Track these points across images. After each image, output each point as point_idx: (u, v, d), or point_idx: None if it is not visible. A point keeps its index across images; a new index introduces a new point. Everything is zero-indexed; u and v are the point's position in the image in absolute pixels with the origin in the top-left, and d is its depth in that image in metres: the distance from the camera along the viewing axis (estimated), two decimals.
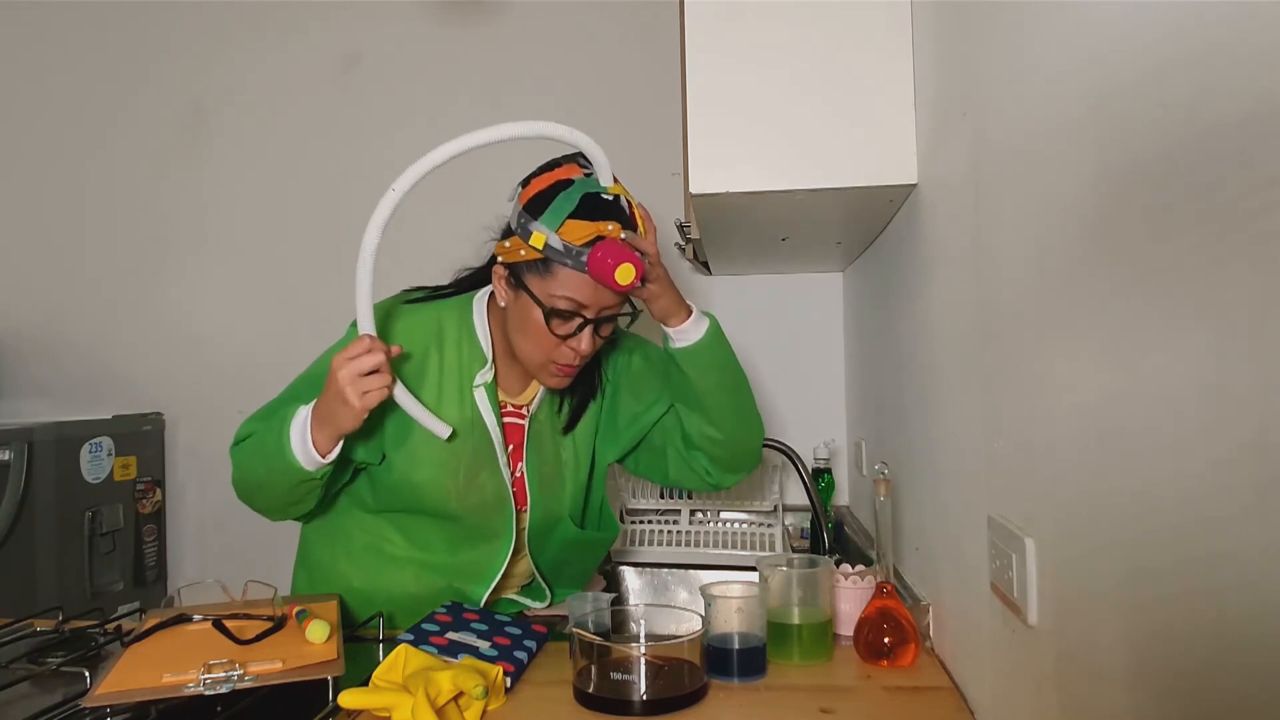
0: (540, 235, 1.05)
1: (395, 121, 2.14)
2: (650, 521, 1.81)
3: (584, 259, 1.04)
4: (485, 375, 1.17)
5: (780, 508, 1.81)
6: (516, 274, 1.10)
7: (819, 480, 1.78)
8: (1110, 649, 0.59)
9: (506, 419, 1.21)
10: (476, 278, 1.24)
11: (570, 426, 1.25)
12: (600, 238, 1.04)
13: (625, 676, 0.95)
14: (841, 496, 1.98)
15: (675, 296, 1.14)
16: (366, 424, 1.03)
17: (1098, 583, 0.60)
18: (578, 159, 1.11)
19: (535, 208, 1.06)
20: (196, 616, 1.05)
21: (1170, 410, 0.50)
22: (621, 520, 1.81)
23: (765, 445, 1.61)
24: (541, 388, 1.23)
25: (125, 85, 2.29)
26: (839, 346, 2.03)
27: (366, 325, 1.05)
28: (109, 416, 2.12)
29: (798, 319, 2.05)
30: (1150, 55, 0.51)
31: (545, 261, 1.07)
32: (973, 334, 0.90)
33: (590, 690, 0.96)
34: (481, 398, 1.17)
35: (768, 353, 2.06)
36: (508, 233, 1.11)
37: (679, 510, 1.85)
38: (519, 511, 1.23)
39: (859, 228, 1.42)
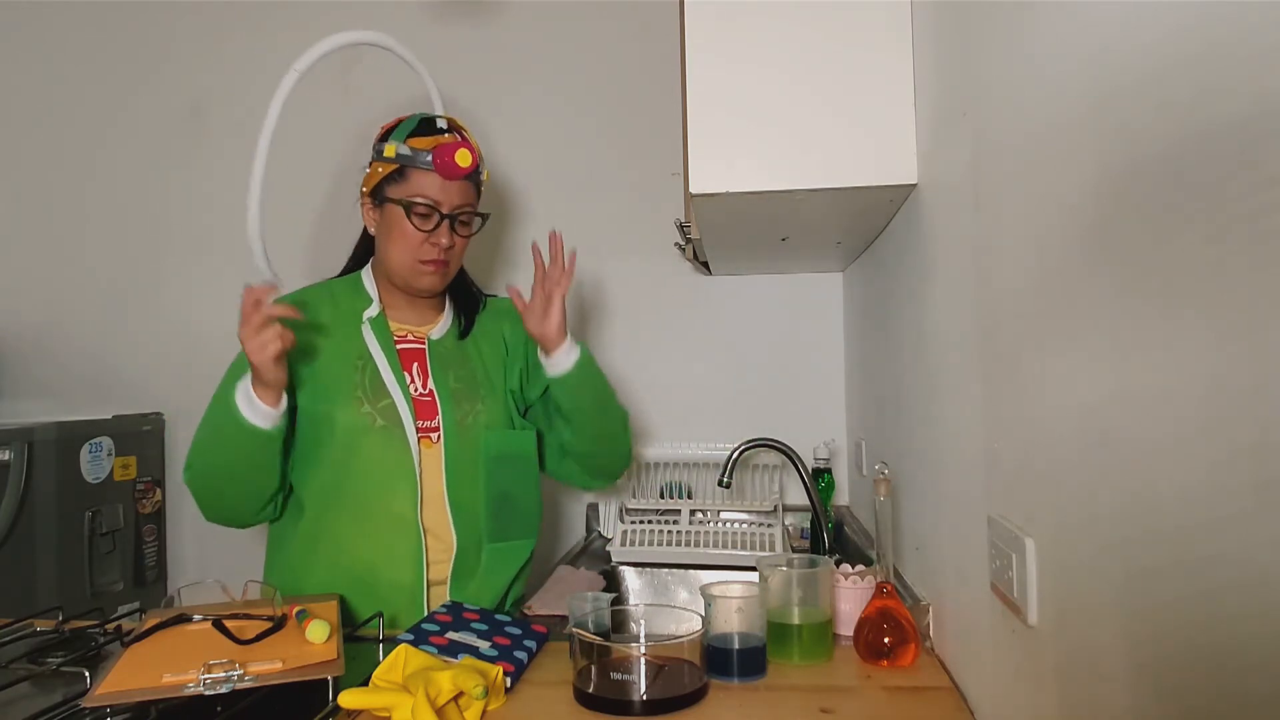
0: (391, 147, 1.29)
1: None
2: (650, 521, 1.81)
3: (429, 159, 1.26)
4: (371, 311, 1.34)
5: (780, 508, 1.81)
6: (379, 194, 1.31)
7: (819, 480, 1.78)
8: (1110, 649, 0.59)
9: (405, 345, 1.35)
10: (361, 246, 1.43)
11: (465, 332, 1.41)
12: (437, 146, 1.27)
13: (625, 676, 0.95)
14: (841, 496, 1.98)
15: (562, 326, 1.29)
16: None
17: (1098, 583, 0.60)
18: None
19: (384, 136, 1.32)
20: (196, 616, 1.05)
21: (1170, 410, 0.50)
22: (621, 519, 1.81)
23: (766, 445, 1.62)
24: (445, 318, 1.40)
25: (125, 85, 2.29)
26: (839, 346, 2.03)
27: (259, 251, 1.25)
28: (109, 416, 2.12)
29: (798, 319, 2.05)
30: (1150, 55, 0.51)
31: (400, 170, 1.29)
32: (973, 334, 0.90)
33: (590, 690, 0.96)
34: (367, 331, 1.33)
35: (768, 353, 2.06)
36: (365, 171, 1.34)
37: (679, 510, 1.85)
38: (426, 435, 1.31)
39: (859, 228, 1.43)
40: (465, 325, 1.41)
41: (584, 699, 0.96)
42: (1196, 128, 0.46)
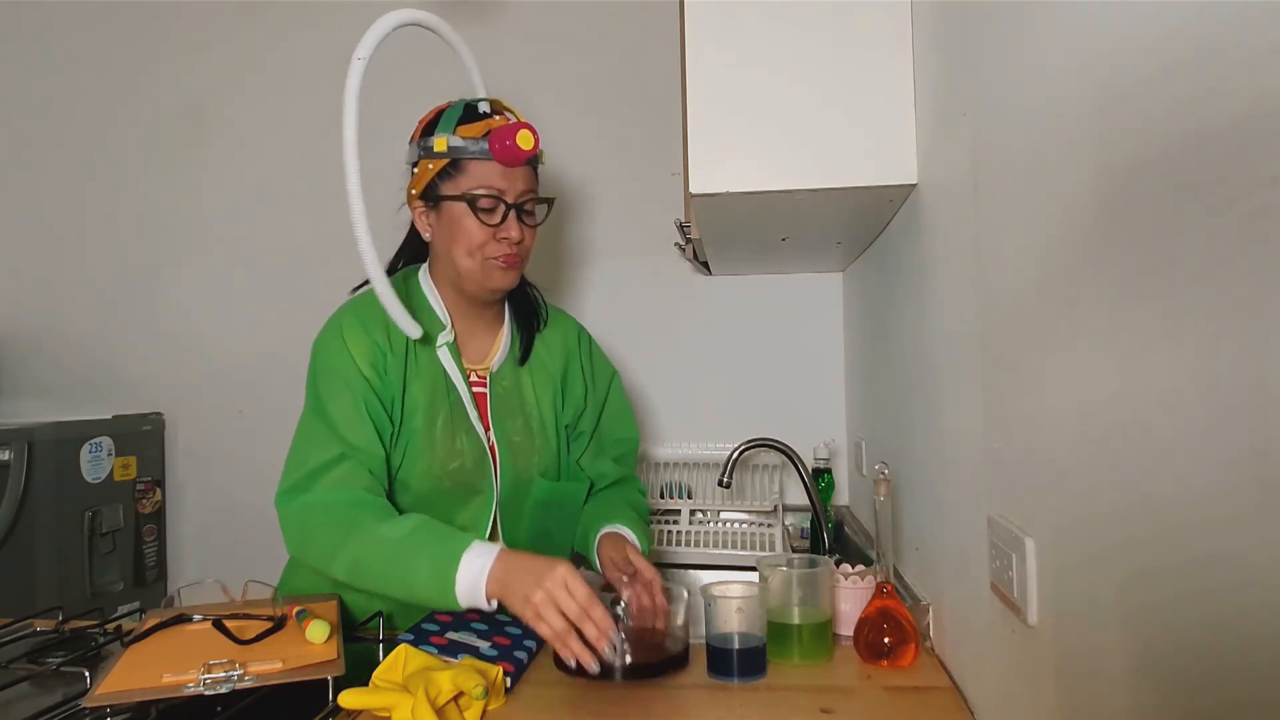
0: (442, 140, 1.17)
1: (395, 121, 2.14)
2: (650, 521, 1.81)
3: (485, 147, 1.16)
4: (446, 336, 1.23)
5: (780, 508, 1.81)
6: (432, 194, 1.20)
7: (819, 480, 1.78)
8: (1111, 649, 0.59)
9: (472, 388, 1.25)
10: (406, 253, 1.33)
11: (524, 358, 1.30)
12: (490, 131, 1.16)
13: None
14: (841, 496, 1.97)
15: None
16: (384, 417, 1.16)
17: (1098, 583, 0.60)
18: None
19: (428, 131, 1.21)
20: (196, 616, 1.05)
21: (1171, 411, 0.50)
22: None
23: (766, 445, 1.62)
24: (501, 347, 1.29)
25: (124, 85, 2.29)
26: (839, 346, 2.03)
27: (376, 273, 1.11)
28: (109, 416, 2.12)
29: (798, 319, 2.05)
30: (1150, 55, 0.51)
31: (455, 164, 1.18)
32: (973, 334, 0.90)
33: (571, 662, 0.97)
34: (446, 357, 1.22)
35: (768, 353, 2.06)
36: (410, 176, 1.23)
37: (679, 510, 1.85)
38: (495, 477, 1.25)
39: (859, 228, 1.42)
40: (524, 348, 1.31)
41: (563, 667, 0.99)
42: (1196, 128, 0.46)
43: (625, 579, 1.14)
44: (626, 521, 1.28)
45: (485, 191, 1.17)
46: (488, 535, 1.23)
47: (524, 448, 1.27)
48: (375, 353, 1.17)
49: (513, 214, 1.18)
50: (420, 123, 1.25)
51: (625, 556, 1.19)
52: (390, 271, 1.30)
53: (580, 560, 1.32)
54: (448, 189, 1.18)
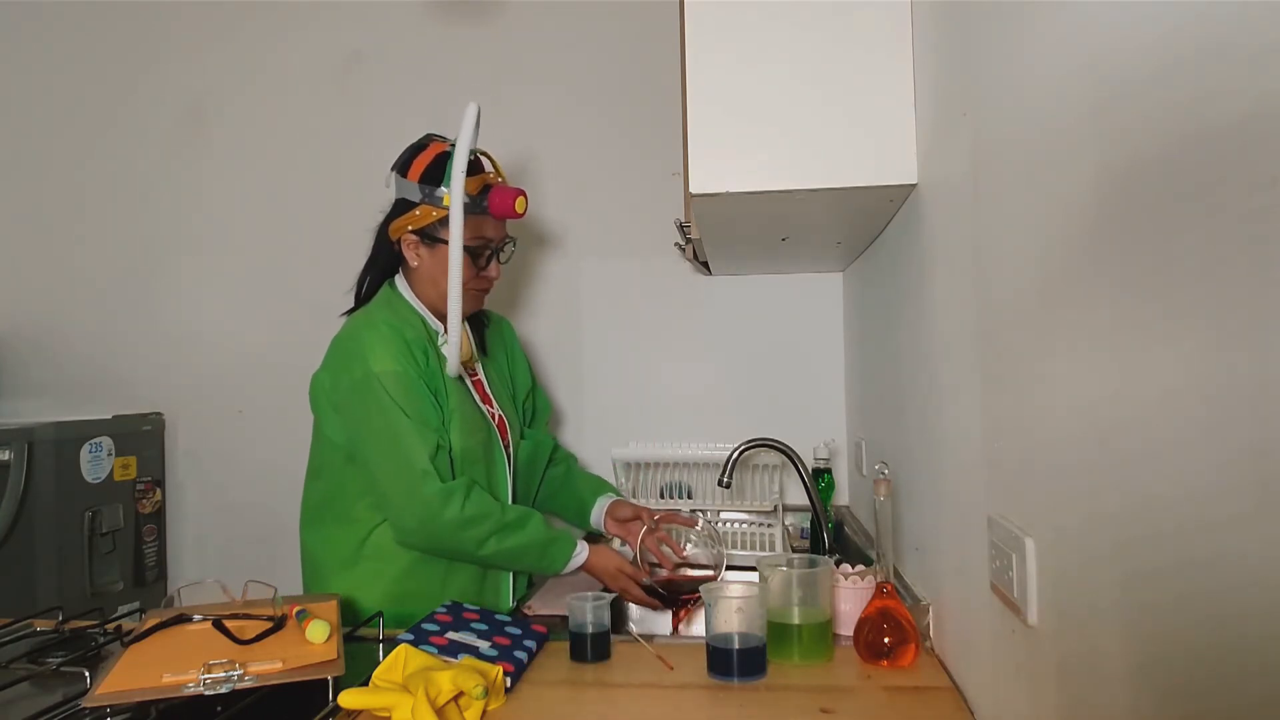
0: (449, 196, 1.30)
1: (395, 121, 2.13)
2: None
3: (485, 204, 1.32)
4: (443, 337, 1.39)
5: (780, 508, 1.81)
6: (429, 234, 1.35)
7: (819, 480, 1.78)
8: (1110, 649, 0.59)
9: (470, 377, 1.46)
10: (373, 270, 1.44)
11: (482, 347, 1.52)
12: (488, 186, 1.34)
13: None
14: (841, 496, 1.97)
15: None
16: (438, 408, 1.34)
17: (1098, 583, 0.60)
18: (435, 136, 1.38)
19: (433, 178, 1.32)
20: (196, 616, 1.05)
21: (1170, 411, 0.50)
22: None
23: (766, 445, 1.62)
24: (469, 345, 1.47)
25: (124, 85, 2.29)
26: (839, 346, 2.03)
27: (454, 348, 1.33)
28: (109, 416, 2.12)
29: (798, 319, 2.05)
30: (1150, 55, 0.51)
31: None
32: (972, 334, 0.90)
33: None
34: (448, 353, 1.38)
35: (768, 353, 2.06)
36: (403, 207, 1.36)
37: (679, 510, 1.84)
38: (506, 445, 1.47)
39: (859, 228, 1.43)
40: (479, 343, 1.51)
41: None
42: (1196, 128, 0.46)
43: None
44: (605, 489, 1.62)
45: (480, 243, 1.35)
46: (509, 490, 1.46)
47: (512, 419, 1.51)
48: (417, 351, 1.33)
49: (495, 256, 1.40)
50: (418, 163, 1.34)
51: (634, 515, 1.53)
52: (361, 284, 1.45)
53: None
54: (447, 234, 1.31)
